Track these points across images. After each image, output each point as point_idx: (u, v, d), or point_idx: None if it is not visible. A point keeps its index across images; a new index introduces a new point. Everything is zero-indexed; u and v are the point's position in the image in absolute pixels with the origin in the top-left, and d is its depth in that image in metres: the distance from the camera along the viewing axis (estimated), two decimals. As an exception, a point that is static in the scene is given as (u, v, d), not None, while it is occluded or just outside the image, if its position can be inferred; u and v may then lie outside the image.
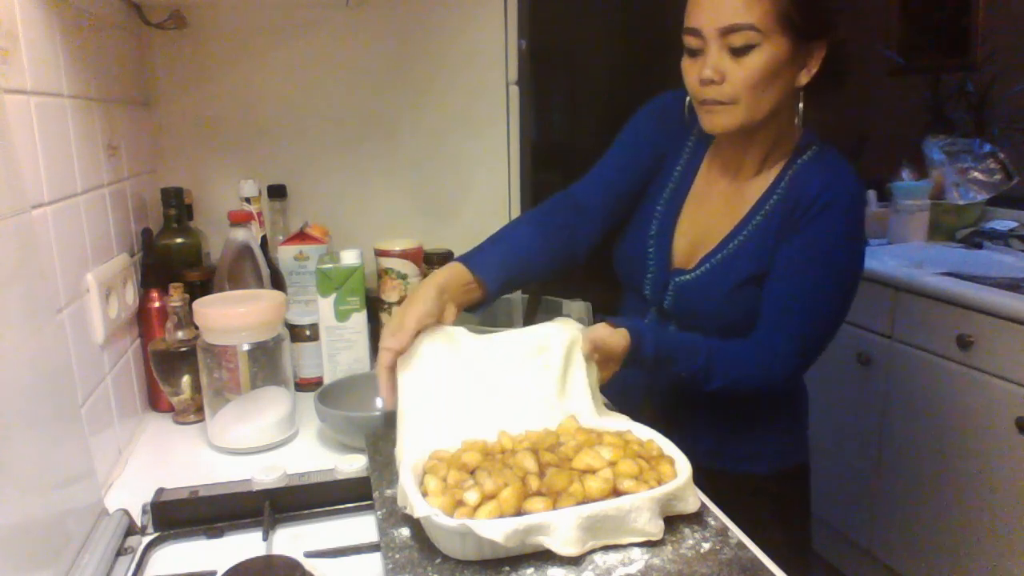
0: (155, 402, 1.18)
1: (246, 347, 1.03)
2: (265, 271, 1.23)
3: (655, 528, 0.70)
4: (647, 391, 0.97)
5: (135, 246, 1.20)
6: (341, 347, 1.18)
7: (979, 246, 2.26)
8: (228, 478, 0.90)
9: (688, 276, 1.08)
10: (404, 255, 1.33)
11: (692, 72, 1.01)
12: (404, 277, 1.33)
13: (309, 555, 0.77)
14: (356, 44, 1.48)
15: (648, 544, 0.70)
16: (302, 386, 1.22)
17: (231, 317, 1.01)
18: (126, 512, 0.83)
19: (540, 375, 0.89)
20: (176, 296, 1.09)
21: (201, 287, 1.20)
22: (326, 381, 1.17)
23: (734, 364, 1.01)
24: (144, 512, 0.83)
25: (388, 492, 0.80)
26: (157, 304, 1.15)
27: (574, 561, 0.68)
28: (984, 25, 2.50)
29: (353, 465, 0.90)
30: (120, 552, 0.78)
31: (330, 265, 1.16)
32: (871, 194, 2.52)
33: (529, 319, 1.28)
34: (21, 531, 0.64)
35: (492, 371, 0.90)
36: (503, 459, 0.75)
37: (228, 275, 1.20)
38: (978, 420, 1.81)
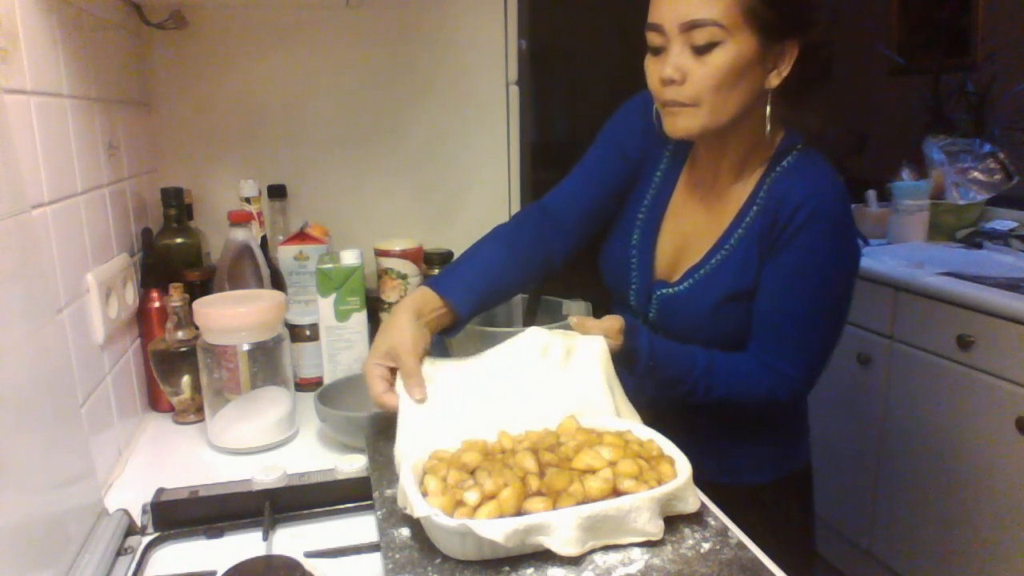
0: (155, 402, 1.18)
1: (246, 347, 1.03)
2: (265, 271, 1.23)
3: (655, 528, 0.70)
4: (646, 407, 0.95)
5: (135, 246, 1.20)
6: (341, 347, 1.18)
7: (979, 246, 2.26)
8: (228, 478, 0.91)
9: (671, 290, 1.06)
10: (404, 255, 1.33)
11: (653, 71, 0.96)
12: (404, 277, 1.33)
13: (309, 555, 0.77)
14: (356, 44, 1.48)
15: (648, 544, 0.70)
16: (302, 386, 1.22)
17: (231, 317, 1.01)
18: (126, 512, 0.83)
19: (542, 374, 0.89)
20: (176, 296, 1.09)
21: (201, 287, 1.20)
22: (326, 381, 1.17)
23: (736, 379, 1.00)
24: (144, 512, 0.83)
25: (388, 492, 0.80)
26: (157, 304, 1.15)
27: (574, 561, 0.68)
28: (984, 25, 2.50)
29: (353, 465, 0.90)
30: (120, 552, 0.78)
31: (330, 265, 1.16)
32: (871, 194, 2.52)
33: (529, 319, 1.28)
34: (21, 531, 0.64)
35: (493, 372, 0.90)
36: (503, 459, 0.75)
37: (228, 275, 1.20)
38: (978, 420, 1.81)
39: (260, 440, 1.04)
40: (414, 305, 0.94)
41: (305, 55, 1.47)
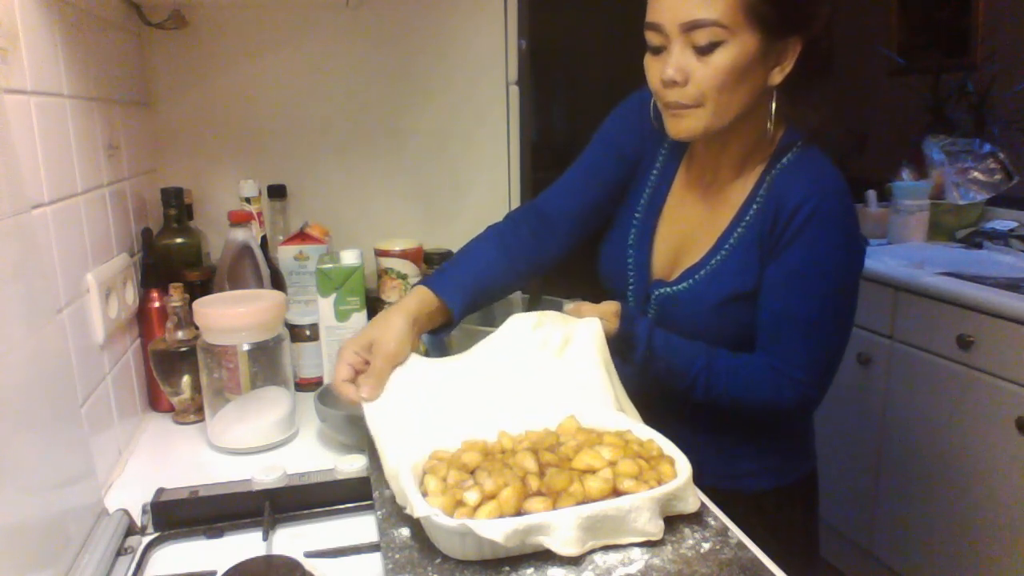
0: (155, 402, 1.18)
1: (246, 347, 1.03)
2: (265, 271, 1.23)
3: (655, 528, 0.70)
4: (647, 410, 0.94)
5: (135, 246, 1.20)
6: (341, 347, 1.18)
7: (979, 246, 2.26)
8: (228, 478, 0.90)
9: (670, 290, 1.05)
10: (404, 255, 1.33)
11: (655, 72, 0.94)
12: (404, 277, 1.33)
13: (309, 555, 0.77)
14: (356, 44, 1.48)
15: (648, 544, 0.70)
16: (302, 386, 1.22)
17: (231, 317, 1.01)
18: (126, 512, 0.83)
19: (540, 365, 0.89)
20: (176, 296, 1.09)
21: (201, 287, 1.20)
22: (326, 381, 1.17)
23: (739, 379, 0.98)
24: (144, 512, 0.83)
25: (388, 492, 0.80)
26: (157, 304, 1.15)
27: (574, 561, 0.68)
28: (984, 25, 2.50)
29: (353, 465, 0.90)
30: (120, 552, 0.78)
31: (330, 265, 1.16)
32: (871, 194, 2.52)
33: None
34: (21, 531, 0.64)
35: (490, 367, 0.90)
36: (503, 459, 0.75)
37: (228, 275, 1.20)
38: (978, 420, 1.81)
39: (260, 440, 1.04)
40: (412, 308, 0.94)
41: (305, 55, 1.47)
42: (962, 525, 1.88)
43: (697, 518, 0.75)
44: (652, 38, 0.93)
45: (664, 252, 1.09)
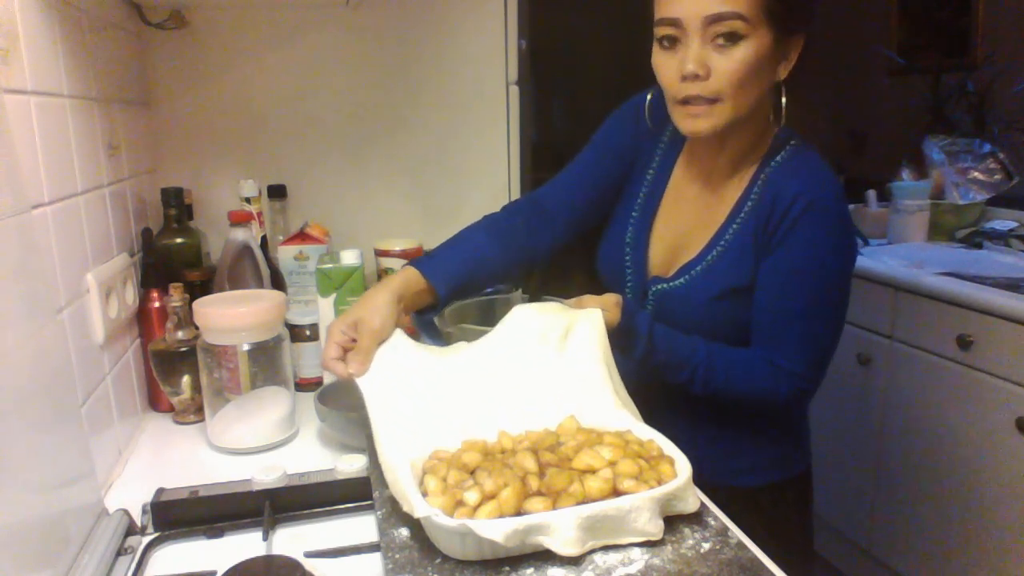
0: (155, 402, 1.18)
1: (246, 347, 1.03)
2: (265, 271, 1.23)
3: (655, 528, 0.70)
4: (646, 404, 0.95)
5: (135, 246, 1.20)
6: (341, 347, 1.18)
7: (979, 246, 2.26)
8: (228, 478, 0.90)
9: (667, 285, 1.06)
10: (404, 255, 1.33)
11: (670, 67, 0.93)
12: (404, 277, 1.33)
13: (309, 555, 0.77)
14: (356, 44, 1.48)
15: (648, 544, 0.70)
16: (302, 386, 1.22)
17: (231, 317, 1.01)
18: (126, 512, 0.83)
19: (541, 359, 0.89)
20: (176, 296, 1.09)
21: (201, 287, 1.20)
22: (326, 381, 1.17)
23: (737, 372, 0.99)
24: (144, 512, 0.83)
25: (388, 492, 0.80)
26: (157, 304, 1.15)
27: (574, 561, 0.68)
28: (984, 25, 2.50)
29: (353, 465, 0.90)
30: (120, 552, 0.78)
31: (330, 265, 1.16)
32: (871, 194, 2.52)
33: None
34: (21, 531, 0.64)
35: (490, 362, 0.90)
36: (503, 459, 0.75)
37: (228, 275, 1.20)
38: (978, 420, 1.81)
39: (260, 440, 1.04)
40: (397, 285, 0.96)
41: (305, 55, 1.47)
42: (961, 525, 1.88)
43: (697, 518, 0.75)
44: (666, 32, 0.93)
45: (661, 250, 1.10)
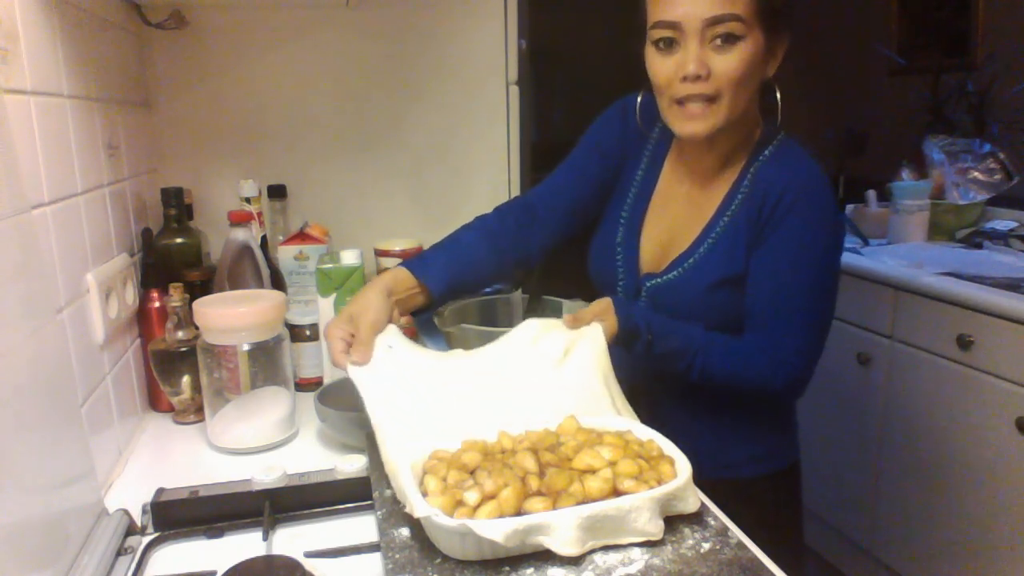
0: (155, 402, 1.18)
1: (246, 347, 1.03)
2: (265, 271, 1.23)
3: (655, 528, 0.70)
4: (644, 396, 0.97)
5: (135, 246, 1.20)
6: (341, 347, 1.18)
7: (979, 246, 2.26)
8: (228, 478, 0.90)
9: (660, 279, 1.07)
10: (404, 255, 1.33)
11: (667, 68, 0.96)
12: (404, 277, 1.33)
13: (309, 555, 0.77)
14: (356, 44, 1.48)
15: (648, 544, 0.70)
16: (302, 386, 1.22)
17: (231, 317, 1.01)
18: (126, 512, 0.83)
19: (539, 371, 0.89)
20: (176, 296, 1.09)
21: (201, 287, 1.20)
22: (326, 381, 1.17)
23: (733, 360, 1.01)
24: (144, 512, 0.83)
25: (388, 492, 0.80)
26: (157, 304, 1.16)
27: (574, 561, 0.68)
28: (984, 25, 2.50)
29: (353, 465, 0.90)
30: (120, 552, 0.78)
31: (330, 265, 1.16)
32: (871, 194, 2.52)
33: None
34: (21, 531, 0.64)
35: (490, 368, 0.90)
36: (503, 459, 0.75)
37: (228, 275, 1.20)
38: (978, 420, 1.82)
39: (260, 440, 1.04)
40: (387, 282, 0.97)
41: (305, 55, 1.47)
42: (962, 525, 1.88)
43: (697, 518, 0.75)
44: (663, 34, 0.95)
45: (652, 248, 1.11)
